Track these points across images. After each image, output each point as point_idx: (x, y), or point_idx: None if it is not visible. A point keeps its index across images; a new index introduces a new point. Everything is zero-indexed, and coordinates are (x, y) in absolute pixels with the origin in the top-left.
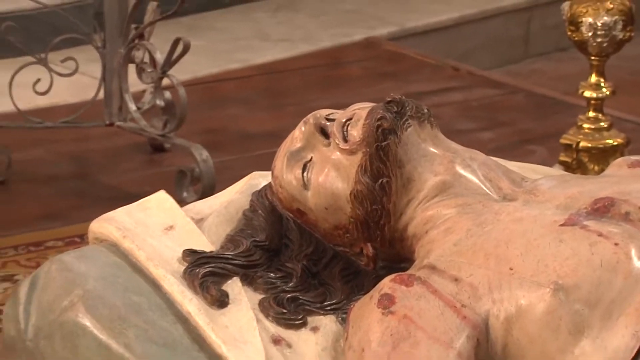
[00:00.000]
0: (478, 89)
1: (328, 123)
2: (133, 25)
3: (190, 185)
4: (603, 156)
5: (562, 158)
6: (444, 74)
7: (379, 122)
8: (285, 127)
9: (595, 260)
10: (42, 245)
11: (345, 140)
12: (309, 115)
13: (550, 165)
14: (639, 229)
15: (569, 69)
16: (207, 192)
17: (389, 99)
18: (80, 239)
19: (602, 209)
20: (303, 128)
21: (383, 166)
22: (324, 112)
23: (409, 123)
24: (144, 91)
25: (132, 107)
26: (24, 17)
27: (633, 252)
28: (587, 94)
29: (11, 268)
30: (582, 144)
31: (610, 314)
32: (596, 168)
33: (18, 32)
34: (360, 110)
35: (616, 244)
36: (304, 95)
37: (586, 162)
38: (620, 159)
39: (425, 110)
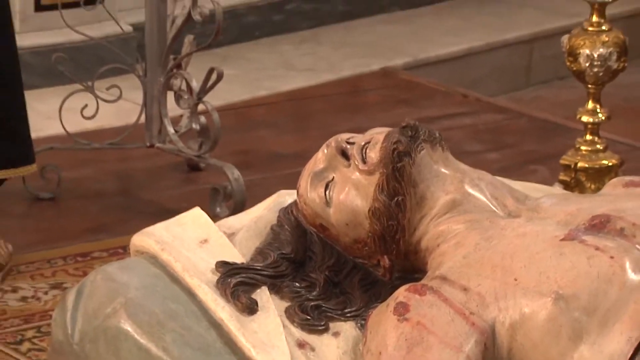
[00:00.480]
0: (485, 114)
1: (348, 146)
2: (172, 56)
3: (223, 202)
4: (599, 176)
5: (562, 177)
6: (453, 100)
7: (395, 146)
8: (309, 148)
9: (593, 272)
10: (89, 256)
11: (364, 161)
12: (331, 139)
13: (550, 184)
14: (633, 243)
15: (567, 96)
16: (238, 208)
17: (404, 124)
18: (124, 250)
19: (599, 225)
20: (325, 150)
21: (398, 185)
22: (345, 136)
23: (422, 146)
24: (181, 116)
25: (171, 130)
26: (72, 48)
27: (627, 265)
28: (585, 119)
29: (60, 277)
30: (580, 164)
31: (607, 321)
32: (593, 186)
33: (67, 62)
34: (378, 134)
35: (612, 257)
36: (326, 119)
37: (584, 181)
38: (615, 179)
39: (437, 135)
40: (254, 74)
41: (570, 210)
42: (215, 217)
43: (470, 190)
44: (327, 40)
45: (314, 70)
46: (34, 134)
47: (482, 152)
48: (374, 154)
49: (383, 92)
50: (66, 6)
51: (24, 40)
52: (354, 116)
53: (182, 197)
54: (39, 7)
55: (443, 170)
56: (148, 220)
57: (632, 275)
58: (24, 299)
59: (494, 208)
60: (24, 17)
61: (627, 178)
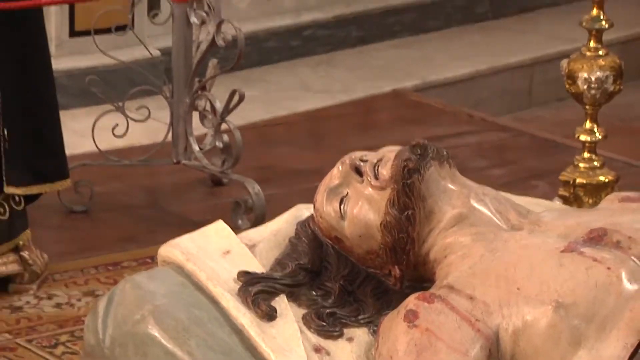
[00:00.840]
0: (489, 132)
1: (361, 163)
2: (197, 79)
3: (245, 215)
4: (596, 191)
5: (561, 192)
6: (460, 119)
7: (405, 163)
8: (325, 164)
9: (591, 282)
10: (119, 265)
11: (376, 178)
12: (345, 157)
13: (550, 198)
14: (629, 255)
15: (566, 116)
16: (258, 220)
17: (414, 143)
18: (151, 260)
19: (597, 238)
20: (340, 167)
21: (408, 200)
22: (358, 153)
23: (430, 163)
24: (205, 134)
25: (196, 148)
26: (105, 71)
27: (623, 275)
28: (583, 137)
29: (92, 284)
30: (579, 180)
31: (604, 328)
32: (590, 201)
33: (100, 84)
34: (389, 152)
35: (609, 268)
36: (341, 137)
37: (582, 195)
38: (612, 195)
39: (445, 153)
40: (274, 95)
41: (570, 224)
42: (236, 229)
43: (476, 205)
44: (342, 63)
45: (330, 91)
46: (68, 151)
47: (487, 168)
48: (385, 171)
49: (394, 112)
50: (99, 32)
51: (60, 63)
52: (366, 134)
53: (206, 210)
54: (73, 33)
55: (450, 186)
56: (174, 232)
57: (627, 285)
58: (58, 305)
59: (498, 222)
60: (60, 42)
61: (623, 194)
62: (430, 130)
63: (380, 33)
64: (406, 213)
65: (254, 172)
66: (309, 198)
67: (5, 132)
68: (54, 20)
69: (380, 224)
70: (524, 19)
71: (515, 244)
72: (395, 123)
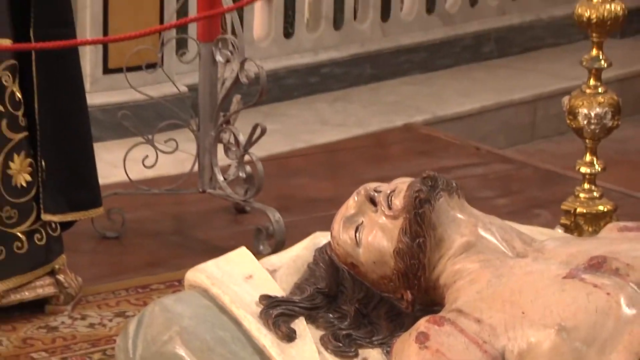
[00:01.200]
0: (495, 164)
1: (376, 194)
2: (222, 113)
3: (266, 241)
4: (596, 220)
5: (563, 221)
6: (467, 152)
7: (417, 194)
8: (341, 194)
9: (592, 307)
10: (148, 288)
11: (389, 208)
12: (361, 188)
13: (552, 226)
14: (627, 281)
15: (567, 149)
16: (279, 246)
17: (425, 175)
18: (178, 283)
19: (597, 265)
20: (356, 198)
21: (420, 229)
22: (372, 185)
23: (440, 194)
24: (229, 165)
25: (220, 178)
26: (136, 106)
27: (622, 300)
28: (583, 169)
29: (123, 306)
30: (579, 209)
31: (604, 350)
32: (590, 229)
33: (131, 118)
34: (402, 183)
35: (608, 294)
36: (356, 168)
37: (582, 224)
38: (611, 224)
39: (454, 184)
40: (293, 129)
41: (571, 252)
42: (258, 254)
43: (483, 233)
44: (357, 99)
45: (345, 125)
46: (101, 181)
47: (492, 198)
48: (398, 201)
49: (405, 145)
50: (130, 69)
51: (94, 99)
52: (379, 166)
53: (230, 237)
54: (106, 70)
55: (459, 215)
56: (200, 257)
57: (626, 310)
58: (91, 325)
59: (504, 249)
60: (94, 79)
61: (621, 223)
62: (439, 161)
63: (392, 71)
64: (417, 241)
65: (275, 201)
66: (325, 225)
67: (43, 163)
68: (89, 58)
69: (394, 251)
70: (527, 58)
71: (520, 270)
72: (406, 155)
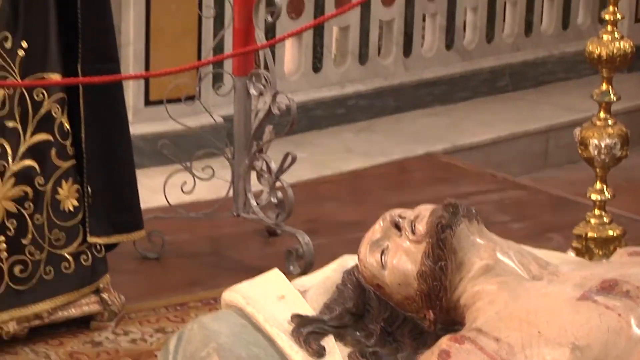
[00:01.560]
0: (510, 190)
1: (400, 220)
2: (255, 142)
3: (296, 262)
4: (605, 244)
5: (574, 244)
6: (484, 179)
7: (439, 220)
8: (366, 218)
9: (604, 327)
10: (186, 306)
11: (413, 233)
12: (386, 213)
13: (565, 250)
14: (637, 303)
15: (578, 177)
16: (308, 266)
17: (447, 202)
18: (214, 301)
19: (609, 288)
20: (382, 223)
21: (442, 253)
22: (397, 211)
23: (461, 220)
24: (261, 191)
25: (253, 203)
26: (175, 135)
27: (633, 321)
28: (593, 196)
29: (163, 322)
30: (590, 234)
31: None
32: (600, 252)
33: (170, 147)
34: (425, 210)
35: (619, 315)
36: (380, 194)
37: (593, 248)
38: (621, 249)
39: (474, 211)
40: (321, 157)
41: (585, 275)
42: (288, 274)
43: (501, 257)
44: (381, 129)
45: (370, 154)
46: (142, 205)
47: (508, 222)
48: (421, 227)
49: (426, 172)
50: (170, 101)
51: (136, 129)
52: (402, 192)
53: (262, 258)
54: (148, 102)
55: (478, 240)
56: (234, 276)
57: (636, 330)
58: (133, 341)
59: (521, 272)
60: (136, 110)
61: (631, 248)
62: (458, 188)
63: (414, 103)
64: (440, 264)
65: (304, 224)
66: (351, 247)
67: (89, 189)
68: (132, 91)
69: (417, 274)
70: (540, 91)
71: (537, 292)
72: (427, 182)
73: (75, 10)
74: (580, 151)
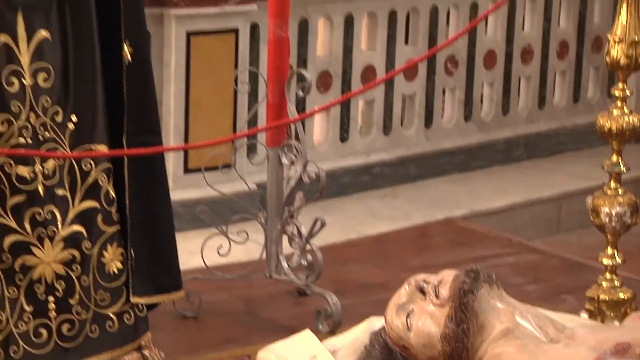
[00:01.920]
0: (525, 254)
1: (425, 284)
2: (286, 208)
3: (325, 321)
4: (617, 306)
5: (587, 307)
6: (500, 243)
7: (461, 285)
8: (390, 279)
9: None
10: None
11: (437, 297)
12: (411, 278)
13: (578, 312)
14: None
15: (590, 242)
16: (336, 326)
17: (468, 269)
18: (248, 358)
19: (622, 351)
20: (407, 287)
21: (464, 316)
22: (422, 276)
23: (482, 285)
24: (292, 254)
25: (285, 265)
26: (212, 201)
27: None
28: (605, 261)
29: None
30: (602, 297)
31: None
32: (612, 315)
33: (207, 212)
34: (448, 275)
35: None
36: (403, 257)
37: (605, 310)
38: (634, 314)
39: (494, 276)
40: (347, 222)
41: (599, 338)
42: (318, 333)
43: (520, 321)
44: (403, 195)
45: (393, 218)
46: (181, 267)
47: (523, 285)
48: (445, 291)
49: (446, 236)
50: (208, 169)
51: (176, 195)
52: (423, 254)
53: (293, 317)
54: (187, 170)
55: (498, 304)
56: (267, 334)
57: None
58: None
59: (539, 335)
60: (176, 178)
61: None
62: (475, 251)
63: (434, 171)
64: (462, 327)
65: (332, 285)
66: (377, 307)
67: (132, 252)
68: (172, 159)
69: (441, 336)
70: (553, 160)
71: (554, 354)
72: (447, 245)
73: (121, 86)
74: (592, 218)
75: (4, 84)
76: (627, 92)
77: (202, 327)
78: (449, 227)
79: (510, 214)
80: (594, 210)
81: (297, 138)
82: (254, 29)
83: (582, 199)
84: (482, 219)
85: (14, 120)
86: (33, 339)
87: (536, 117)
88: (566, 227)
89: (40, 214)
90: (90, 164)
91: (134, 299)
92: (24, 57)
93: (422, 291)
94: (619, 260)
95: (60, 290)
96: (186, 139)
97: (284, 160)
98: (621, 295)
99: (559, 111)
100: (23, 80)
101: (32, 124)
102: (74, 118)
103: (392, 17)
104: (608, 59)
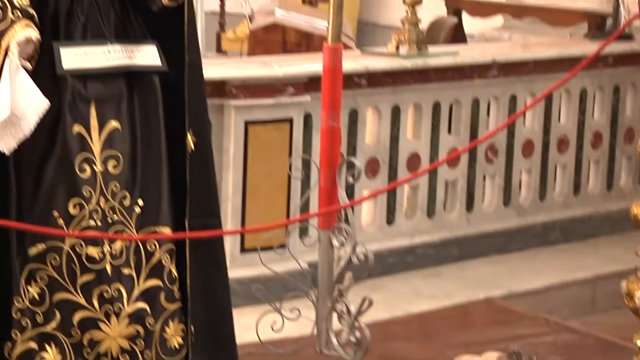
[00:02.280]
0: (562, 334)
1: None
2: (336, 287)
3: None
4: None
5: None
6: (538, 322)
7: None
8: (435, 356)
9: None
10: None
11: None
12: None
13: None
14: None
15: (624, 322)
16: None
17: (510, 351)
18: None
19: None
20: None
21: None
22: (466, 357)
23: None
24: (341, 330)
25: (334, 341)
26: (266, 279)
27: None
28: (639, 342)
29: None
30: None
31: None
32: None
33: (262, 290)
34: (491, 357)
35: None
36: (446, 334)
37: None
38: None
39: (535, 359)
40: (393, 300)
41: None
42: None
43: None
44: (446, 275)
45: (436, 297)
46: (237, 341)
47: None
48: None
49: (486, 316)
50: (262, 249)
51: (232, 273)
52: (465, 333)
53: None
54: (243, 250)
55: None
56: None
57: None
58: None
59: None
60: (233, 257)
61: None
62: (514, 330)
63: (475, 252)
64: None
65: None
66: None
67: (192, 328)
68: (230, 240)
69: None
70: (588, 244)
71: None
72: (487, 324)
73: (184, 172)
74: (626, 301)
75: (77, 171)
76: None
77: None
78: (489, 307)
79: (546, 295)
80: (628, 294)
81: (346, 221)
82: (307, 119)
83: (616, 281)
84: (519, 299)
85: (85, 204)
86: None
87: (571, 203)
88: (600, 307)
89: (107, 291)
90: (155, 245)
91: None
92: (96, 146)
93: None
94: None
95: None
96: (243, 221)
97: (335, 242)
98: None
99: (593, 198)
100: (94, 167)
101: (102, 207)
102: (140, 202)
103: (436, 108)
104: None
